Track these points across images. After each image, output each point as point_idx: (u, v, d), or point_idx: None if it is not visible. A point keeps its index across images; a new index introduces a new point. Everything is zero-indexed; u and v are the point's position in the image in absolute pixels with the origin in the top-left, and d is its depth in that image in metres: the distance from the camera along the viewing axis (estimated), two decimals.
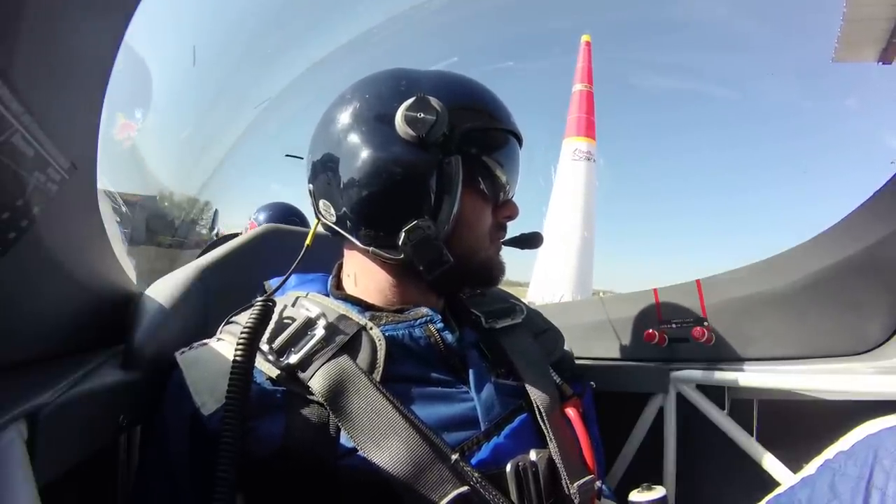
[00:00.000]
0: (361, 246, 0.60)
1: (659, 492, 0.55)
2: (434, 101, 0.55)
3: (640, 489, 0.55)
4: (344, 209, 0.59)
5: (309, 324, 0.57)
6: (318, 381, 0.52)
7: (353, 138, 0.58)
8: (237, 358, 0.51)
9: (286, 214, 2.16)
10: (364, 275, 0.64)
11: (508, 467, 0.53)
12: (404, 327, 0.58)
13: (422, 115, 0.55)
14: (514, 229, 0.68)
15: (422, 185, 0.56)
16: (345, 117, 0.59)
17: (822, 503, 0.54)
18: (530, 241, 0.70)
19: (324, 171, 0.60)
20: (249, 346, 0.51)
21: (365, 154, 0.56)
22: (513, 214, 0.65)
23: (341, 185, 0.58)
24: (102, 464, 0.60)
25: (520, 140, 0.65)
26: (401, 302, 0.62)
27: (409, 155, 0.56)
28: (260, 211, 2.22)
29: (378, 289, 0.63)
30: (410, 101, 0.56)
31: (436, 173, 0.56)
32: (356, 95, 0.60)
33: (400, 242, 0.57)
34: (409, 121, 0.55)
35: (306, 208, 0.67)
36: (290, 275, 0.62)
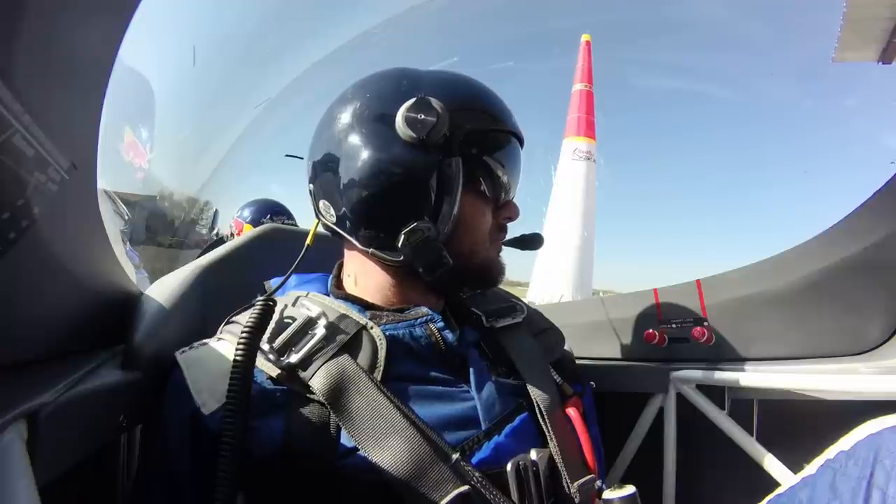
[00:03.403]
0: (361, 247, 0.60)
1: (629, 489, 0.56)
2: (435, 103, 0.55)
3: (612, 488, 0.56)
4: (344, 209, 0.59)
5: (309, 323, 0.57)
6: (318, 380, 0.52)
7: (354, 139, 0.58)
8: (238, 357, 0.51)
9: (273, 211, 2.15)
10: (364, 275, 0.64)
11: (509, 466, 0.53)
12: (405, 327, 0.58)
13: (422, 116, 0.55)
14: (514, 229, 0.68)
15: (422, 186, 0.56)
16: (345, 117, 0.59)
17: (822, 503, 0.54)
18: (531, 242, 0.70)
19: (324, 172, 0.60)
20: (250, 345, 0.51)
21: (365, 155, 0.56)
22: (513, 215, 0.65)
23: (341, 186, 0.58)
24: (102, 464, 0.60)
25: (521, 141, 0.65)
26: (401, 302, 0.62)
27: (409, 156, 0.56)
28: (244, 208, 2.21)
29: (378, 289, 0.63)
30: (411, 102, 0.56)
31: (436, 174, 0.56)
32: (357, 95, 0.60)
33: (399, 244, 0.57)
34: (410, 122, 0.55)
35: (308, 208, 0.67)
36: (290, 274, 0.62)
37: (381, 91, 0.60)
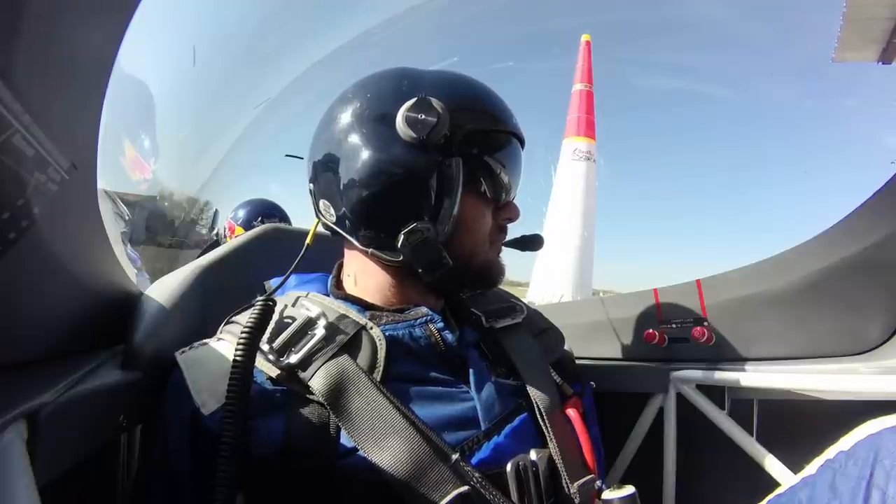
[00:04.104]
0: (361, 246, 0.60)
1: (628, 489, 0.56)
2: (435, 103, 0.55)
3: (611, 488, 0.56)
4: (343, 209, 0.59)
5: (309, 323, 0.57)
6: (318, 380, 0.52)
7: (354, 139, 0.57)
8: (237, 357, 0.51)
9: (263, 213, 2.14)
10: (364, 275, 0.64)
11: (509, 467, 0.53)
12: (404, 327, 0.58)
13: (423, 116, 0.55)
14: (514, 230, 0.68)
15: (421, 186, 0.56)
16: (346, 117, 0.59)
17: (822, 503, 0.54)
18: (531, 243, 0.69)
19: (324, 171, 0.60)
20: (249, 345, 0.51)
21: (365, 155, 0.56)
22: (513, 216, 0.65)
23: (341, 186, 0.58)
24: (102, 464, 0.60)
25: (522, 142, 0.65)
26: (400, 302, 0.62)
27: (410, 156, 0.56)
28: (238, 208, 2.21)
29: (378, 289, 0.63)
30: (411, 102, 0.55)
31: (436, 175, 0.56)
32: (357, 95, 0.60)
33: (399, 244, 0.57)
34: (410, 122, 0.55)
35: (308, 208, 0.68)
36: (290, 274, 0.62)
37: (381, 91, 0.60)
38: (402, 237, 0.56)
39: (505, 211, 0.64)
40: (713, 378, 0.84)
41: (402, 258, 0.58)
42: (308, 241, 0.63)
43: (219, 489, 0.47)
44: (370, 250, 0.60)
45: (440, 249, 0.57)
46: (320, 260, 0.66)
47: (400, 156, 0.56)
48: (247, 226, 2.08)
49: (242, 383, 0.50)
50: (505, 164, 0.62)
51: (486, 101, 0.62)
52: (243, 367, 0.51)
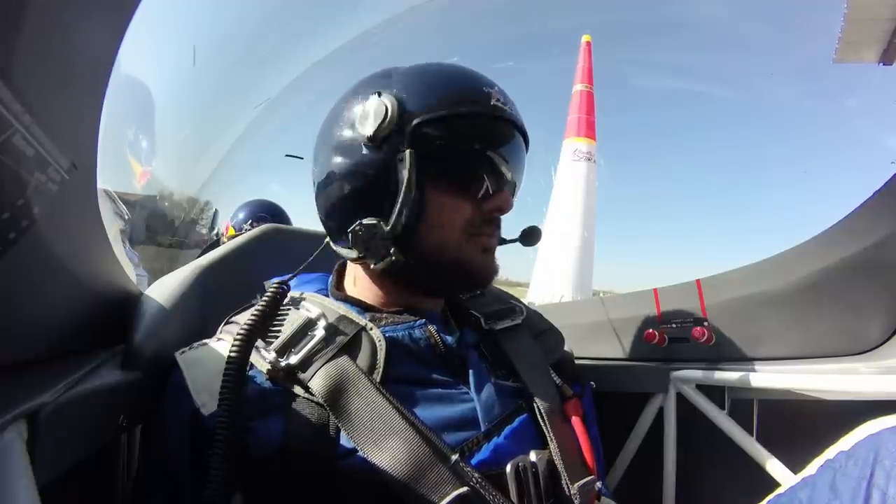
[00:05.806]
0: (344, 252, 0.62)
1: None
2: (385, 98, 0.55)
3: None
4: (322, 217, 0.62)
5: (309, 324, 0.57)
6: (318, 381, 0.52)
7: (319, 145, 0.62)
8: (231, 353, 0.51)
9: (254, 217, 2.12)
10: (362, 276, 0.64)
11: (508, 468, 0.53)
12: (404, 328, 0.58)
13: (371, 112, 0.55)
14: (514, 231, 0.67)
15: (367, 182, 0.57)
16: (321, 127, 0.63)
17: (822, 503, 0.54)
18: (529, 236, 0.67)
19: (313, 180, 0.64)
20: (244, 342, 0.51)
21: (321, 158, 0.60)
22: (504, 206, 0.60)
23: (316, 194, 0.62)
24: (102, 464, 0.60)
25: (495, 116, 0.57)
26: (398, 304, 0.62)
27: (357, 155, 0.57)
28: (239, 210, 2.20)
29: (376, 290, 0.63)
30: (361, 100, 0.57)
31: (387, 169, 0.55)
32: (335, 104, 0.63)
33: (351, 243, 0.58)
34: (360, 120, 0.56)
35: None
36: (294, 276, 0.62)
37: (348, 95, 0.61)
38: (349, 235, 0.57)
39: (489, 201, 0.59)
40: (713, 378, 0.84)
41: (357, 255, 0.59)
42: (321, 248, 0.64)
43: (209, 485, 0.46)
44: (336, 247, 0.62)
45: (388, 245, 0.57)
46: (316, 260, 0.66)
47: (349, 156, 0.57)
48: (238, 228, 2.08)
49: (236, 378, 0.50)
50: (470, 150, 0.57)
51: (443, 87, 0.57)
52: (237, 363, 0.50)
